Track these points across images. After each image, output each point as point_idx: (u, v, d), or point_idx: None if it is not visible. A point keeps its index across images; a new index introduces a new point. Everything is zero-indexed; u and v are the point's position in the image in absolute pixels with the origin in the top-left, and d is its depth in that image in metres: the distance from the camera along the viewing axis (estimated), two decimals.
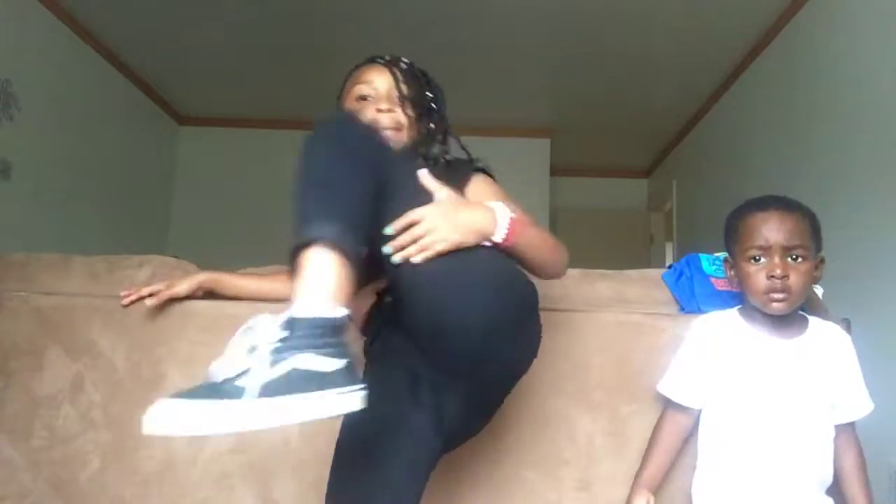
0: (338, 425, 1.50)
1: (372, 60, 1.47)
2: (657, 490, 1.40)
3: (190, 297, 1.56)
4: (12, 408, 1.56)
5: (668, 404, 1.42)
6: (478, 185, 1.36)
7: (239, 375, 0.85)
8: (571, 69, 4.48)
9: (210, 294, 1.58)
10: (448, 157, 1.44)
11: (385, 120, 1.39)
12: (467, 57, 4.23)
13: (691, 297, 1.55)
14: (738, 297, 1.51)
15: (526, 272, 1.15)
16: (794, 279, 1.28)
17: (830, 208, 2.73)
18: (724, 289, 1.53)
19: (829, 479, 1.33)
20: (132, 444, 1.53)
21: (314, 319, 0.89)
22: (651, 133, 5.46)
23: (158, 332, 1.56)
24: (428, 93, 1.46)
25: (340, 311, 0.91)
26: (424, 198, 1.07)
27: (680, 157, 5.45)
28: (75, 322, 1.58)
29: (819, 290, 1.55)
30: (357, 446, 1.12)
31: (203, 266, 1.67)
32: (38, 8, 3.64)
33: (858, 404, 1.35)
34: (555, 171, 5.61)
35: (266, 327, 0.90)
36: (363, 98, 1.43)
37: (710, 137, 4.81)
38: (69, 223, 3.95)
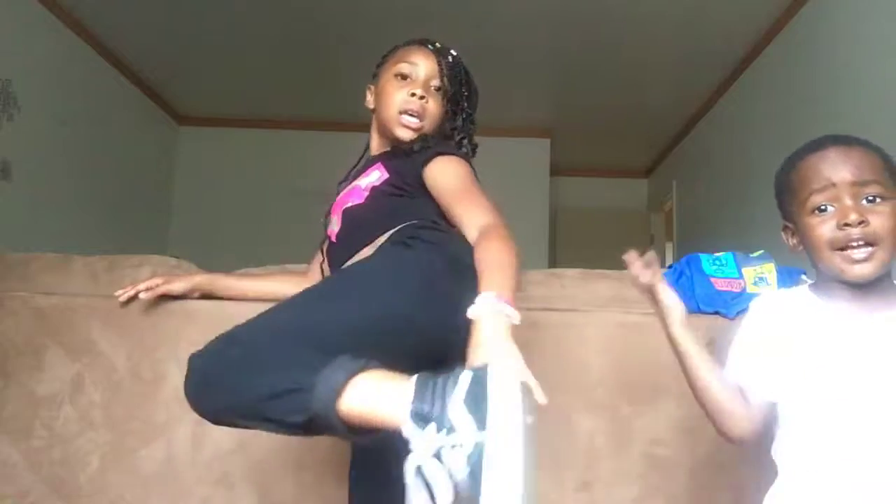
0: None
1: (422, 43, 1.46)
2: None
3: (187, 297, 1.56)
4: (12, 408, 1.56)
5: None
6: (438, 166, 1.29)
7: None
8: (571, 69, 4.48)
9: (207, 295, 1.58)
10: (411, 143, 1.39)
11: (414, 105, 1.38)
12: (467, 57, 4.20)
13: (691, 297, 1.55)
14: (738, 297, 1.51)
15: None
16: (877, 224, 0.98)
17: None
18: (724, 289, 1.53)
19: None
20: (132, 444, 1.53)
21: (414, 403, 0.88)
22: (651, 133, 5.46)
23: (159, 333, 1.56)
24: (465, 91, 1.45)
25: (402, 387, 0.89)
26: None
27: (680, 157, 5.45)
28: (75, 322, 1.58)
29: None
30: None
31: (203, 266, 1.67)
32: (38, 8, 3.64)
33: None
34: (555, 171, 5.62)
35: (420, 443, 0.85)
36: (402, 76, 1.41)
37: (710, 137, 4.81)
38: (69, 223, 3.95)
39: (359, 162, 1.49)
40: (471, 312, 0.98)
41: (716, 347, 1.46)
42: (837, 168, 1.01)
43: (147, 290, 1.51)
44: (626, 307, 1.56)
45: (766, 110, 3.80)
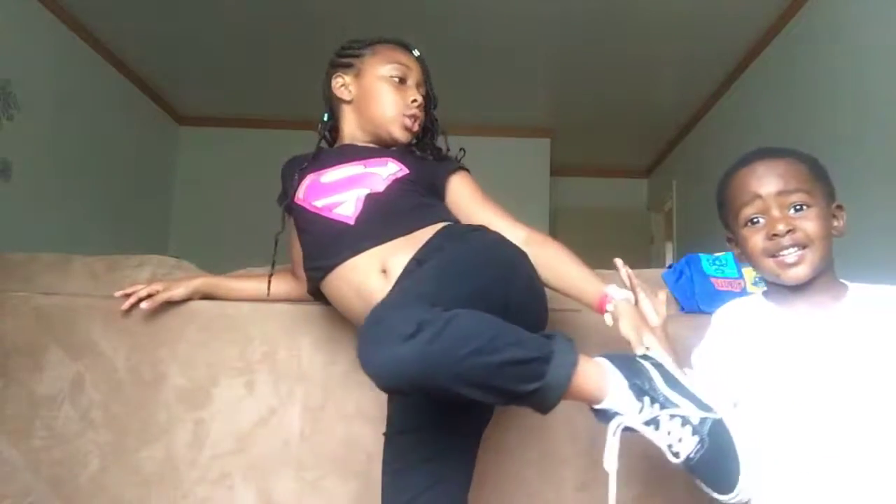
0: (336, 426, 1.50)
1: (406, 47, 1.52)
2: None
3: (187, 299, 1.56)
4: (12, 408, 1.56)
5: None
6: (460, 184, 1.42)
7: None
8: (571, 69, 4.49)
9: (207, 298, 1.58)
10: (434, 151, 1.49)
11: (416, 112, 1.46)
12: (467, 57, 4.23)
13: (691, 297, 1.55)
14: (738, 297, 1.51)
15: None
16: (806, 228, 1.05)
17: None
18: (725, 289, 1.53)
19: None
20: (132, 444, 1.53)
21: (630, 384, 1.03)
22: (651, 133, 5.46)
23: (159, 333, 1.56)
24: (432, 94, 1.53)
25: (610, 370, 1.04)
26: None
27: (680, 157, 5.45)
28: (75, 322, 1.58)
29: None
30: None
31: (203, 266, 1.67)
32: (38, 8, 3.64)
33: None
34: (555, 171, 5.61)
35: (632, 413, 1.03)
36: (400, 80, 1.46)
37: (710, 137, 4.81)
38: (69, 223, 3.95)
39: (317, 147, 1.50)
40: (614, 304, 1.19)
41: None
42: (763, 181, 1.08)
43: (148, 297, 1.51)
44: None
45: (766, 110, 3.80)
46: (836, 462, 1.01)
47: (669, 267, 1.64)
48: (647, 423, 1.00)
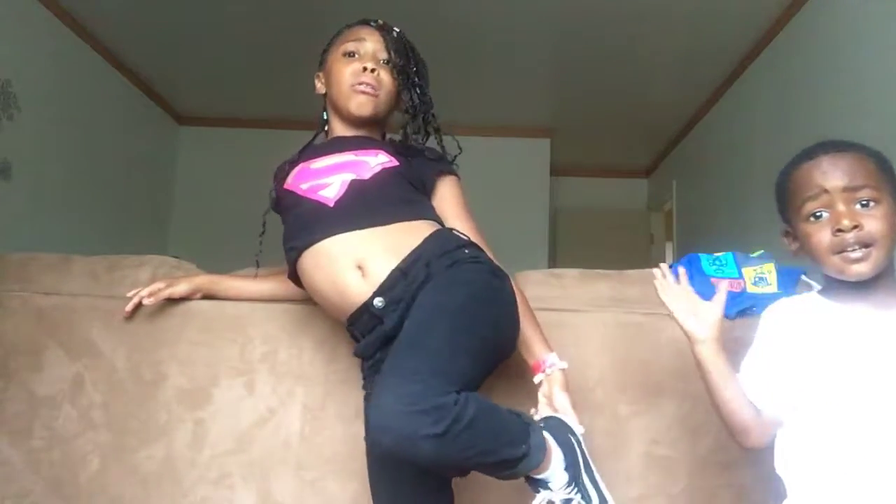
0: (336, 426, 1.50)
1: (364, 22, 1.50)
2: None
3: (188, 298, 1.56)
4: (12, 408, 1.56)
5: None
6: (448, 187, 1.42)
7: None
8: (571, 69, 4.48)
9: (208, 296, 1.58)
10: (422, 146, 1.44)
11: (367, 77, 1.40)
12: (468, 57, 4.23)
13: None
14: (738, 297, 1.51)
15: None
16: (871, 227, 1.02)
17: None
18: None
19: None
20: (132, 444, 1.53)
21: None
22: (651, 133, 5.46)
23: (159, 333, 1.56)
24: (413, 66, 1.46)
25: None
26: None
27: (680, 157, 5.45)
28: (75, 322, 1.58)
29: None
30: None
31: (203, 266, 1.67)
32: (38, 8, 3.64)
33: None
34: (555, 171, 5.61)
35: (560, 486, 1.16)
36: (349, 55, 1.44)
37: (710, 137, 4.81)
38: (69, 223, 3.95)
39: (313, 139, 1.51)
40: (550, 370, 1.29)
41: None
42: (829, 175, 1.05)
43: (150, 295, 1.50)
44: (626, 307, 1.56)
45: (766, 110, 3.80)
46: (891, 477, 0.98)
47: (670, 266, 1.64)
48: (564, 502, 1.14)
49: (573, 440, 1.19)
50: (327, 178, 1.34)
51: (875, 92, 2.72)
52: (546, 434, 1.15)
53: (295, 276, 1.38)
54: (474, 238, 1.34)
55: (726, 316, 1.48)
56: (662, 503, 1.45)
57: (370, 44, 1.44)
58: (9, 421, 1.55)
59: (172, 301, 1.55)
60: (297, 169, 1.42)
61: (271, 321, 1.56)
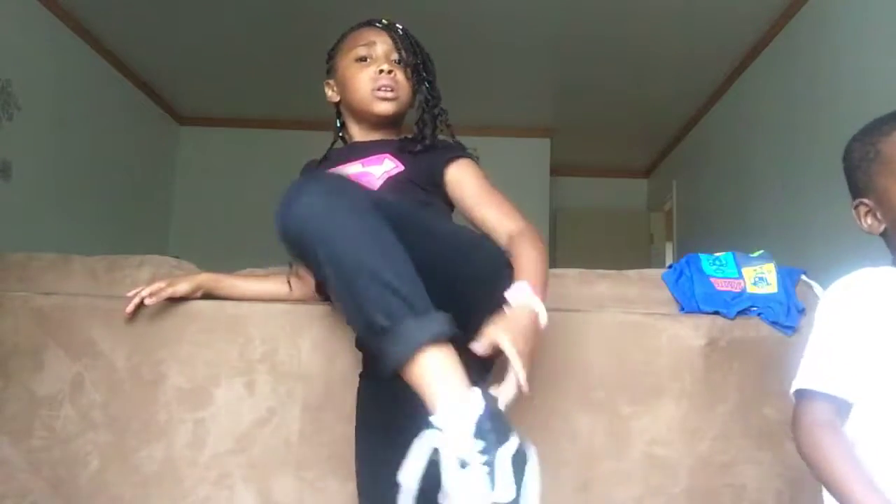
0: (336, 426, 1.50)
1: (369, 23, 1.50)
2: None
3: (189, 297, 1.56)
4: (12, 408, 1.56)
5: (814, 411, 0.96)
6: (461, 170, 1.38)
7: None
8: (572, 69, 4.49)
9: (210, 295, 1.58)
10: (437, 139, 1.44)
11: (385, 80, 1.41)
12: (467, 57, 4.23)
13: (691, 297, 1.55)
14: (738, 297, 1.51)
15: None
16: None
17: (832, 208, 2.73)
18: (724, 289, 1.53)
19: None
20: (132, 444, 1.53)
21: (482, 416, 0.92)
22: (651, 133, 5.47)
23: (159, 333, 1.56)
24: (421, 60, 1.48)
25: (476, 394, 0.94)
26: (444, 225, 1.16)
27: (680, 157, 5.45)
28: (75, 322, 1.58)
29: None
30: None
31: (203, 266, 1.67)
32: (38, 8, 3.64)
33: None
34: (555, 171, 5.62)
35: (458, 440, 0.89)
36: (362, 59, 1.44)
37: (710, 137, 4.81)
38: (69, 223, 3.95)
39: (332, 146, 1.52)
40: (508, 295, 1.05)
41: (716, 347, 1.47)
42: None
43: (151, 294, 1.50)
44: (626, 307, 1.56)
45: (766, 110, 3.80)
46: None
47: (669, 267, 1.64)
48: (460, 463, 0.88)
49: (513, 437, 0.95)
50: None
51: (875, 92, 2.72)
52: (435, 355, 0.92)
53: (319, 289, 1.40)
54: (505, 210, 1.29)
55: (726, 316, 1.49)
56: (662, 503, 1.45)
57: (381, 45, 1.45)
58: (9, 421, 1.55)
59: (173, 301, 1.55)
60: None
61: (271, 321, 1.56)
